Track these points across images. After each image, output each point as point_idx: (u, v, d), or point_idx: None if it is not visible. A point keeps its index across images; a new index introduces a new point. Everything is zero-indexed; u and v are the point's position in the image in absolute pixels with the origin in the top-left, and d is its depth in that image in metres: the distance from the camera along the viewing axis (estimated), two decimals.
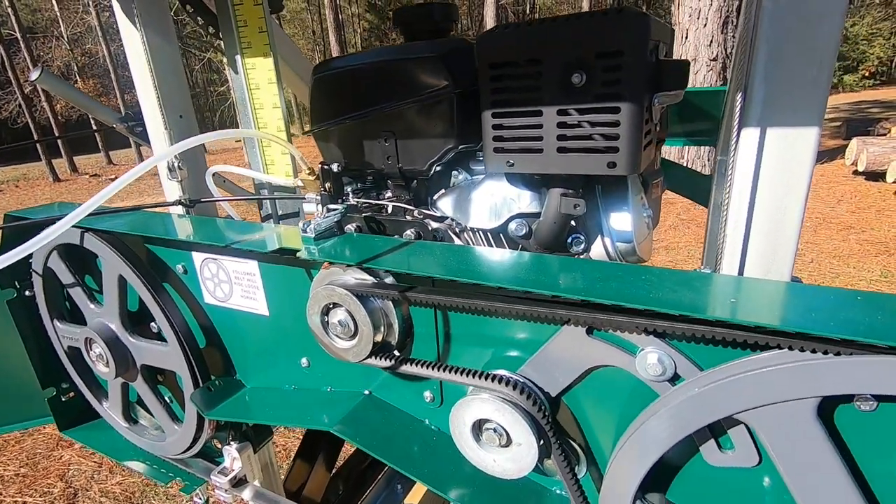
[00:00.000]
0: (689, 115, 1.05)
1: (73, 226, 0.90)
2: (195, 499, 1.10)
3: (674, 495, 0.56)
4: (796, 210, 0.46)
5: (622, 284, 0.46)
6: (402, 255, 0.59)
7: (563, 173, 0.58)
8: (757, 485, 0.51)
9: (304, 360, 0.81)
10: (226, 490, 0.99)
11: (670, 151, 6.72)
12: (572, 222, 0.65)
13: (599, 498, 0.56)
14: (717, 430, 0.51)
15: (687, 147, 6.62)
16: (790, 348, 0.42)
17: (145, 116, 0.92)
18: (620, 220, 0.64)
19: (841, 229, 5.48)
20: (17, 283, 1.09)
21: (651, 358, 0.50)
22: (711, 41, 6.19)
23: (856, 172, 7.61)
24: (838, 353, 0.40)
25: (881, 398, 0.43)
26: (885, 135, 9.03)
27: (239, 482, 1.01)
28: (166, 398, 1.06)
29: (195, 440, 0.99)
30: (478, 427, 0.58)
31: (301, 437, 1.49)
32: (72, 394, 1.22)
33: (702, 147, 6.49)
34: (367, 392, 0.76)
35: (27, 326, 1.12)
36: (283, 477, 1.33)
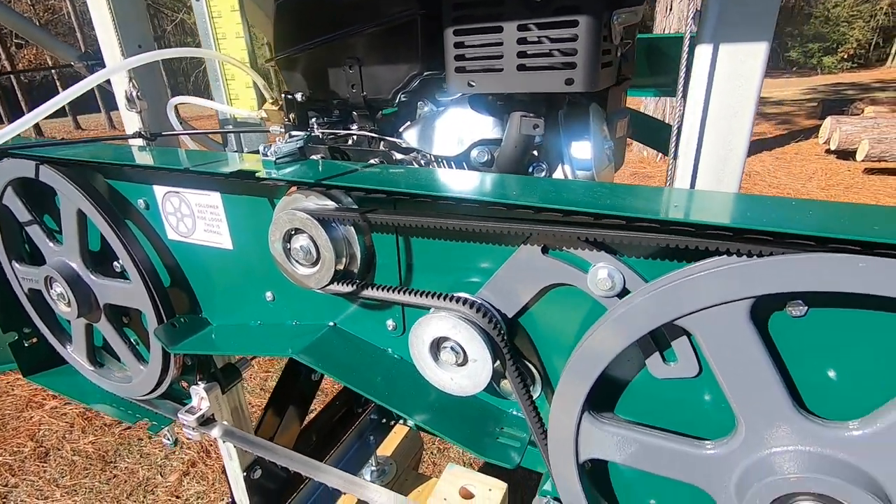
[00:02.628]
0: (659, 64, 1.06)
1: (29, 157, 0.87)
2: (163, 439, 1.11)
3: (623, 411, 0.59)
4: (745, 125, 0.48)
5: (573, 195, 0.47)
6: (362, 176, 0.58)
7: (523, 94, 0.58)
8: (698, 396, 0.54)
9: (268, 294, 0.81)
10: (193, 428, 1.00)
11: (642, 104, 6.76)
12: (534, 152, 0.66)
13: (549, 414, 0.58)
14: (661, 344, 0.53)
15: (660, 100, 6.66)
16: (727, 253, 0.43)
17: (102, 47, 0.88)
18: (581, 149, 0.65)
19: None
20: None
21: (601, 273, 0.52)
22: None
23: (828, 151, 7.78)
24: (771, 254, 0.41)
25: (810, 302, 0.45)
26: (859, 115, 9.21)
27: (207, 421, 1.02)
28: (131, 339, 1.05)
29: (161, 380, 0.99)
30: (436, 346, 0.60)
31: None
32: (34, 339, 1.20)
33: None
34: (331, 324, 0.76)
35: None
36: (253, 426, 1.34)
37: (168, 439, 1.11)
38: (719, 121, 0.47)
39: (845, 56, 24.49)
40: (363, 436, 1.76)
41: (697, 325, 0.47)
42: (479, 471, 1.22)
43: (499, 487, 1.61)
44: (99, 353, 1.14)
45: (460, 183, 0.55)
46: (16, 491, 2.48)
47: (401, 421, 1.82)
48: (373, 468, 1.77)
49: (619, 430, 0.55)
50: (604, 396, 0.57)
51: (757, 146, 9.03)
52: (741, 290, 0.43)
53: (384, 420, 1.83)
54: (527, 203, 0.46)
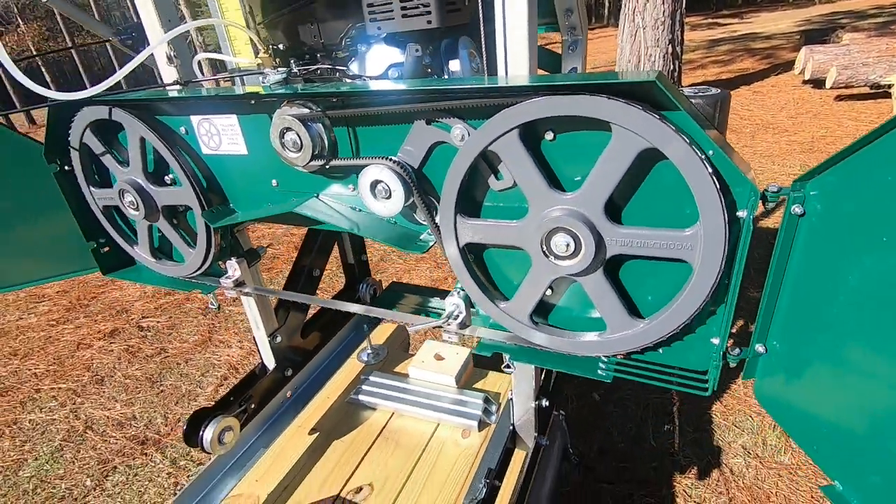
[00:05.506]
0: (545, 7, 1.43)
1: (102, 103, 1.28)
2: (209, 304, 1.56)
3: (483, 213, 1.01)
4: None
5: (440, 85, 0.88)
6: (321, 89, 0.99)
7: (409, 31, 0.98)
8: (518, 196, 0.96)
9: (273, 182, 1.23)
10: (230, 288, 1.45)
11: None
12: (429, 70, 1.06)
13: (440, 222, 1.01)
14: (493, 167, 0.95)
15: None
16: (505, 106, 0.85)
17: (144, 24, 1.27)
18: (455, 66, 1.05)
19: (776, 133, 5.96)
20: (58, 161, 1.47)
21: (456, 130, 0.94)
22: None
23: (805, 82, 7.96)
24: (515, 104, 0.83)
25: (555, 130, 0.87)
26: (837, 43, 9.30)
27: (239, 284, 1.47)
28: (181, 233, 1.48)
29: (206, 258, 1.43)
30: (373, 186, 1.02)
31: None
32: (107, 248, 1.64)
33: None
34: (316, 195, 1.19)
35: (70, 194, 1.52)
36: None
37: (213, 304, 1.57)
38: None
39: None
40: (358, 325, 2.23)
41: (499, 149, 0.89)
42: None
43: (464, 351, 2.10)
44: (156, 251, 1.58)
45: (378, 87, 0.96)
46: (83, 406, 3.01)
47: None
48: (368, 351, 2.25)
49: (477, 222, 0.99)
50: (470, 206, 1.00)
51: (738, 81, 9.18)
52: (509, 124, 0.84)
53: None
54: (413, 88, 0.87)
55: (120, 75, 1.08)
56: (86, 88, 1.20)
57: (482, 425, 1.77)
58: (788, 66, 9.38)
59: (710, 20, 23.42)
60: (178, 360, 3.32)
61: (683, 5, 6.69)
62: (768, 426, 2.26)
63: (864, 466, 0.74)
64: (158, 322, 3.80)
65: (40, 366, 3.45)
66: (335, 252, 2.08)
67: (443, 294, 1.73)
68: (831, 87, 6.92)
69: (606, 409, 2.47)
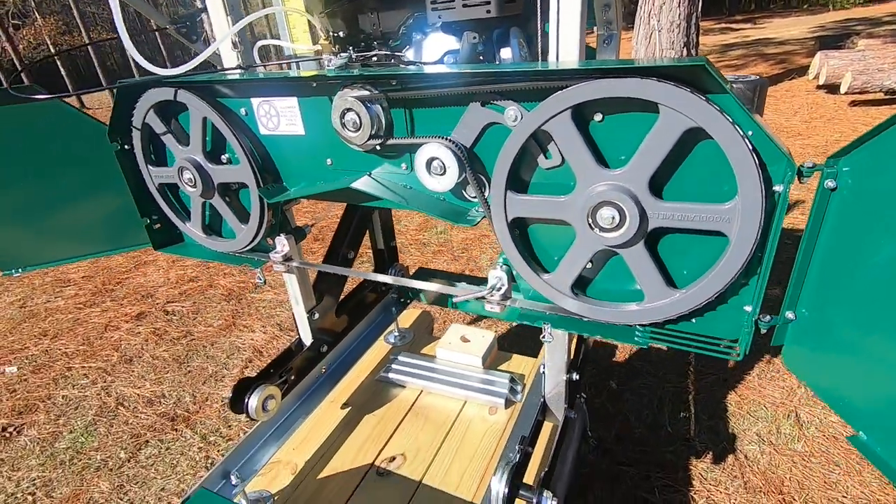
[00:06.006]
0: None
1: (167, 85, 1.37)
2: (257, 278, 1.65)
3: (531, 189, 1.09)
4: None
5: (499, 69, 0.96)
6: (380, 72, 1.08)
7: (467, 20, 1.07)
8: (566, 174, 1.04)
9: (328, 160, 1.32)
10: (278, 262, 1.54)
11: None
12: (480, 57, 1.14)
13: (490, 197, 1.09)
14: (542, 147, 1.03)
15: None
16: (559, 89, 0.93)
17: (212, 16, 1.37)
18: (506, 54, 1.13)
19: (790, 137, 5.99)
20: (119, 139, 1.57)
21: (510, 112, 1.02)
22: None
23: (819, 87, 7.98)
24: (567, 87, 0.91)
25: (604, 112, 0.95)
26: (853, 49, 9.29)
27: (287, 258, 1.56)
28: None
29: (257, 234, 1.51)
30: (429, 164, 1.11)
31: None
32: (159, 224, 1.74)
33: None
34: (368, 173, 1.27)
35: (129, 172, 1.61)
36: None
37: (260, 279, 1.66)
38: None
39: None
40: (387, 307, 2.32)
41: (551, 128, 0.97)
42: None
43: (489, 334, 2.18)
44: (207, 227, 1.67)
45: (439, 70, 1.05)
46: (114, 385, 3.12)
47: (414, 301, 2.36)
48: (396, 333, 2.34)
49: (525, 198, 1.07)
50: (518, 183, 1.08)
51: None
52: (562, 105, 0.92)
53: (402, 300, 2.37)
54: (472, 71, 0.95)
55: (200, 58, 1.17)
56: (100, 83, 1.29)
57: (508, 403, 1.85)
58: (802, 71, 9.39)
59: (722, 25, 23.35)
60: (203, 342, 3.42)
61: (699, 8, 6.74)
62: (782, 416, 2.32)
63: (884, 418, 0.82)
64: (183, 307, 3.90)
65: (70, 346, 3.56)
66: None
67: (467, 279, 1.81)
68: (846, 93, 6.94)
69: (623, 397, 2.54)
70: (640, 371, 2.69)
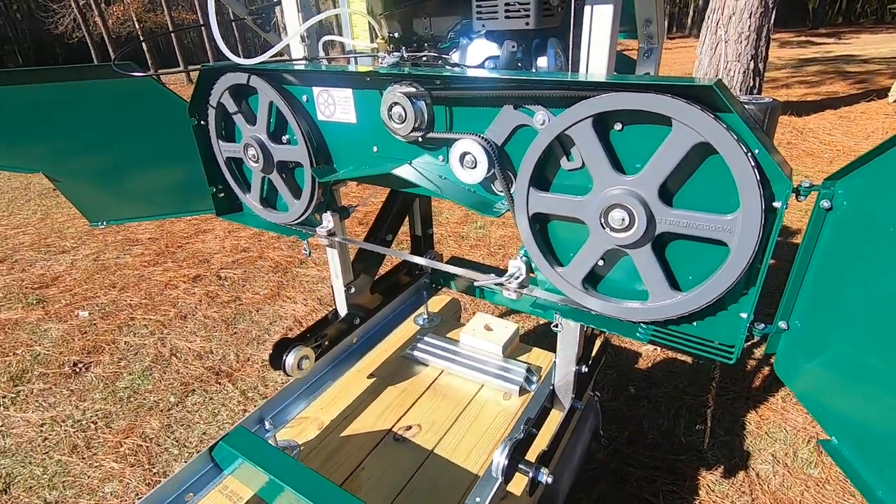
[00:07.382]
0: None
1: (242, 71, 1.56)
2: (303, 249, 1.83)
3: (553, 188, 1.19)
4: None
5: (531, 76, 1.07)
6: (427, 72, 1.21)
7: (508, 30, 1.17)
8: (584, 176, 1.13)
9: (374, 148, 1.46)
10: (323, 236, 1.71)
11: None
12: (519, 64, 1.25)
13: (514, 193, 1.20)
14: (566, 150, 1.13)
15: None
16: (582, 98, 1.02)
17: (286, 12, 1.54)
18: (542, 62, 1.23)
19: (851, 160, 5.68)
20: (197, 115, 1.78)
21: (539, 116, 1.12)
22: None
23: None
24: (589, 97, 1.00)
25: (623, 122, 1.03)
26: None
27: (331, 234, 1.72)
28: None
29: (307, 208, 1.68)
30: (462, 157, 1.23)
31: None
32: (222, 194, 1.95)
33: None
34: (409, 162, 1.41)
35: (202, 145, 1.82)
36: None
37: (306, 250, 1.83)
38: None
39: None
40: (419, 290, 2.46)
41: (574, 133, 1.06)
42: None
43: (512, 325, 2.29)
44: (263, 200, 1.86)
45: (478, 74, 1.16)
46: (169, 337, 3.43)
47: (444, 288, 2.49)
48: (425, 316, 2.48)
49: (547, 195, 1.17)
50: (541, 181, 1.19)
51: (822, 105, 8.74)
52: (585, 113, 1.02)
53: (433, 285, 2.51)
54: (508, 77, 1.06)
55: (275, 50, 1.34)
56: (177, 59, 1.47)
57: (522, 391, 1.95)
58: (883, 93, 8.82)
59: (803, 38, 22.06)
60: (250, 308, 3.69)
61: (772, 21, 6.48)
62: (801, 440, 2.30)
63: (857, 428, 0.87)
64: (234, 274, 4.21)
65: (134, 298, 3.93)
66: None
67: (496, 270, 1.92)
68: None
69: (640, 403, 2.58)
70: (661, 381, 2.72)
